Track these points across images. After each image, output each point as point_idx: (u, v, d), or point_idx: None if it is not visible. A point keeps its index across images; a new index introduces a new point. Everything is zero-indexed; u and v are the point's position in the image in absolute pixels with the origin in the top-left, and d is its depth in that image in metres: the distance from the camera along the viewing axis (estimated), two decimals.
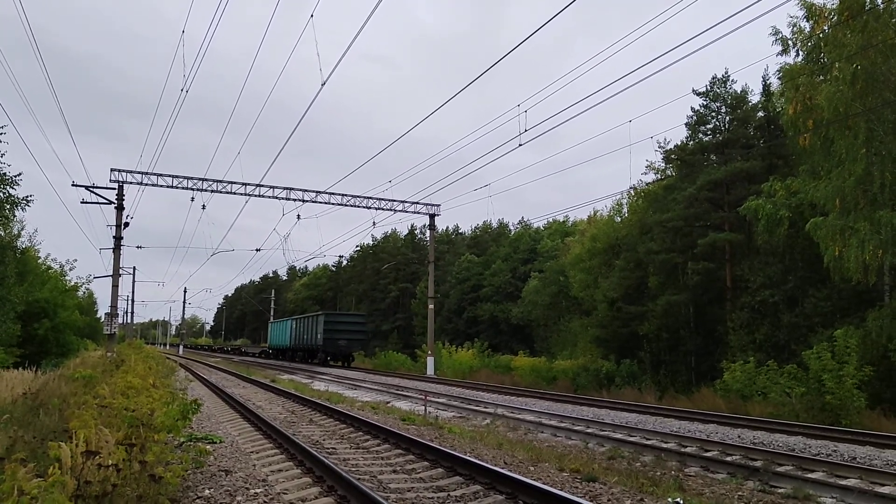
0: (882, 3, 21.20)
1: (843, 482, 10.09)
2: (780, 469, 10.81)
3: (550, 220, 60.67)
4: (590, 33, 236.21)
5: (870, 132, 20.83)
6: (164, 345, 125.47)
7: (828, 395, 18.05)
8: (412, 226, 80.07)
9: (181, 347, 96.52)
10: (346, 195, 41.52)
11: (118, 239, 38.19)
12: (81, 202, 38.05)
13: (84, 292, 51.92)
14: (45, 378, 20.73)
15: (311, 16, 15.96)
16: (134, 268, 76.58)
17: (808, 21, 23.25)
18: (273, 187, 39.62)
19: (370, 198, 41.95)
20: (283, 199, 39.90)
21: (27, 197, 19.98)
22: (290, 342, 58.63)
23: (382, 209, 42.64)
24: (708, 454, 12.20)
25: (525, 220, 71.82)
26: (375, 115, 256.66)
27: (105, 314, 42.21)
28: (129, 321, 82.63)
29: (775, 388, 20.71)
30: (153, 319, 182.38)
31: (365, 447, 11.74)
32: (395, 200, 42.74)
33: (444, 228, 78.37)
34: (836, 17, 21.77)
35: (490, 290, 56.99)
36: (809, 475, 10.47)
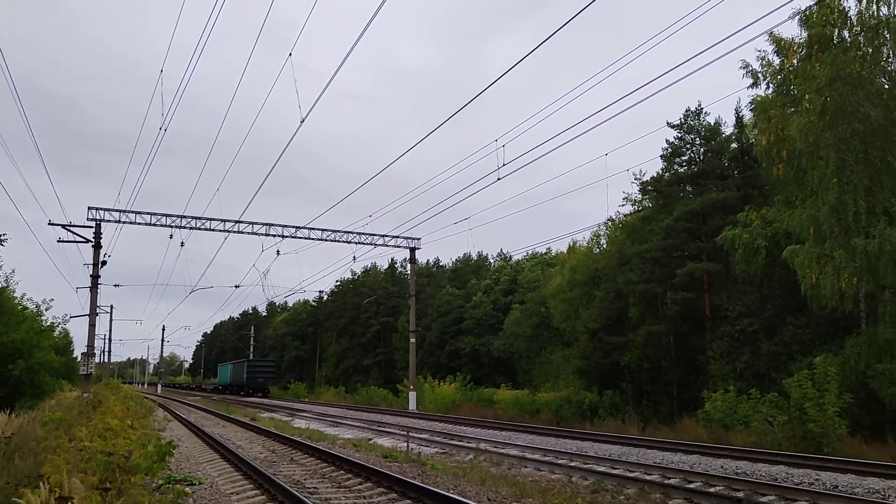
0: (849, 36, 21.80)
1: None
2: (763, 499, 10.81)
3: (530, 252, 60.80)
4: (565, 70, 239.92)
5: (841, 162, 21.23)
6: (142, 384, 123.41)
7: (810, 423, 18.13)
8: (392, 259, 79.81)
9: (159, 386, 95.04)
10: (326, 230, 41.48)
11: (95, 278, 37.79)
12: (58, 241, 37.68)
13: (60, 332, 50.99)
14: (20, 420, 20.30)
15: (290, 54, 16.09)
16: (111, 306, 75.31)
17: (777, 55, 23.81)
18: (252, 223, 39.52)
19: (350, 232, 41.94)
20: (262, 234, 39.79)
21: (0, 236, 19.66)
22: (230, 380, 77.17)
23: (363, 243, 42.62)
24: (691, 485, 12.17)
25: (504, 252, 72.04)
26: (356, 152, 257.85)
27: (81, 354, 41.59)
28: (105, 360, 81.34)
29: (757, 416, 20.77)
30: (131, 358, 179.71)
31: (347, 486, 11.60)
32: (375, 235, 42.77)
33: (425, 261, 78.34)
34: (804, 51, 22.31)
35: (471, 323, 56.82)
36: None
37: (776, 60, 24.05)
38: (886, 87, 21.64)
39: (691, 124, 34.07)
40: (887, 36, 21.35)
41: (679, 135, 34.37)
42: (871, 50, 21.59)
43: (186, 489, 10.21)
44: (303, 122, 17.38)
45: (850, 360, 21.12)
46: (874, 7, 21.61)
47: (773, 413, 19.88)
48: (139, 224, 37.63)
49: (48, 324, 40.48)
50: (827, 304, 21.24)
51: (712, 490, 11.70)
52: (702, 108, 33.91)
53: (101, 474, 7.46)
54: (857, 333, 22.22)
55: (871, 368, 20.59)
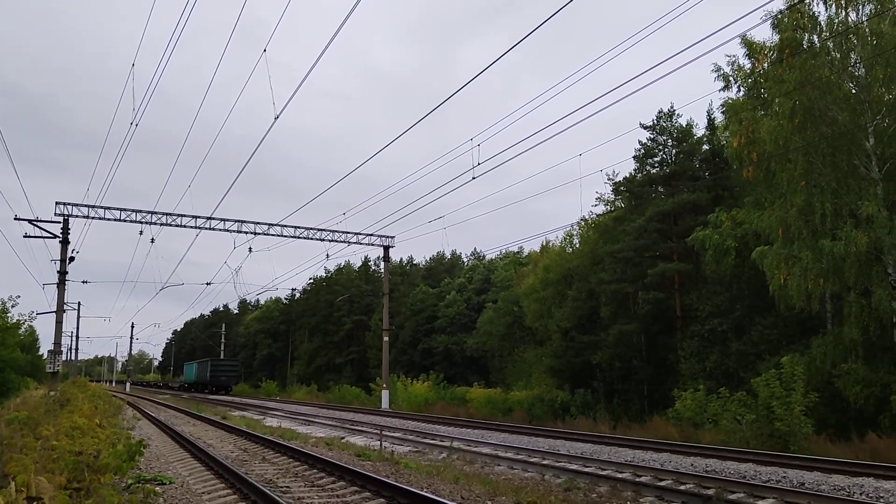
0: (818, 41, 22.18)
1: None
2: (732, 497, 10.95)
3: (503, 251, 61.01)
4: (539, 71, 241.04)
5: (809, 165, 21.61)
6: (111, 382, 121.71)
7: (777, 421, 18.41)
8: (366, 258, 79.64)
9: (128, 384, 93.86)
10: (299, 227, 41.16)
11: (63, 274, 37.17)
12: (24, 236, 36.97)
13: (26, 329, 50.06)
14: None
15: (264, 51, 15.97)
16: (79, 303, 74.23)
17: (749, 59, 24.15)
18: (224, 220, 39.09)
19: (324, 230, 41.65)
20: (234, 231, 39.38)
21: None
22: (195, 378, 79.81)
23: (336, 241, 42.35)
24: (662, 483, 12.30)
25: (478, 251, 72.22)
26: (330, 150, 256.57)
27: (48, 351, 40.86)
28: (73, 358, 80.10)
29: (726, 415, 21.05)
30: (98, 356, 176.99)
31: (320, 485, 11.55)
32: (349, 233, 42.55)
33: (399, 260, 78.25)
34: (775, 55, 22.66)
35: (445, 322, 56.86)
36: (760, 502, 10.64)
37: (747, 64, 24.42)
38: (854, 91, 22.06)
39: (664, 126, 34.43)
40: (855, 41, 21.77)
41: (652, 136, 34.72)
42: (839, 55, 22.00)
43: (157, 489, 10.11)
44: (276, 118, 17.25)
45: (816, 359, 21.50)
46: (843, 13, 22.03)
47: (742, 412, 20.16)
48: (108, 220, 37.04)
49: (14, 321, 39.81)
50: (794, 304, 21.60)
51: (682, 488, 11.84)
52: (674, 110, 34.33)
53: (69, 474, 7.35)
54: (822, 333, 22.62)
55: (836, 368, 20.99)
